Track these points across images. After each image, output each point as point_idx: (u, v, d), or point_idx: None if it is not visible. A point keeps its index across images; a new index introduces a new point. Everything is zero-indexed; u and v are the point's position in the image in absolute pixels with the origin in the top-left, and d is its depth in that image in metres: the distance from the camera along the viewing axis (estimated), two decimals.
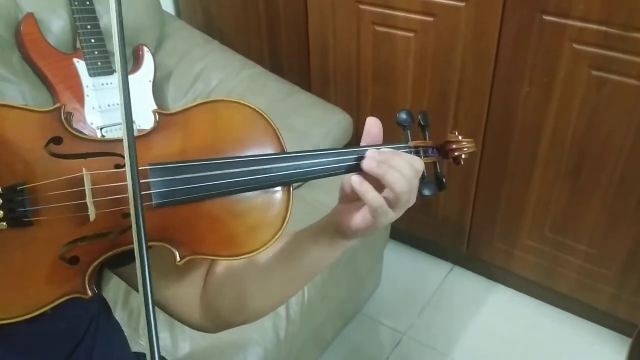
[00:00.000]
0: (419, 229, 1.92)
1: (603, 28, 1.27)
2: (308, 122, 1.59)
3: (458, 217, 1.80)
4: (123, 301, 1.26)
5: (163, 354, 1.11)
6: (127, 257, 0.61)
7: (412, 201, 0.63)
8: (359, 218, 0.63)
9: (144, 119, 1.54)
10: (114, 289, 1.26)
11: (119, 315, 1.23)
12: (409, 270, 1.99)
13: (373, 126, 0.66)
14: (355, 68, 1.72)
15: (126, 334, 0.86)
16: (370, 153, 0.63)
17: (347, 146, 1.68)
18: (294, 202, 0.63)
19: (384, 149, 0.65)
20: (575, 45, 1.32)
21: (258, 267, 0.72)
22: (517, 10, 1.36)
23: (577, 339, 1.73)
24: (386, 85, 1.69)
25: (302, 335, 1.34)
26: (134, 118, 1.52)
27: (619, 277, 1.56)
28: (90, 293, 0.59)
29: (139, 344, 1.19)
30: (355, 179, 0.61)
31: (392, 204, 0.61)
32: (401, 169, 0.61)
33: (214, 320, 0.76)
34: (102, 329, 0.75)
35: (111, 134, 1.47)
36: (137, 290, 0.74)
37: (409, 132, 0.69)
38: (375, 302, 1.86)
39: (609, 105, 1.35)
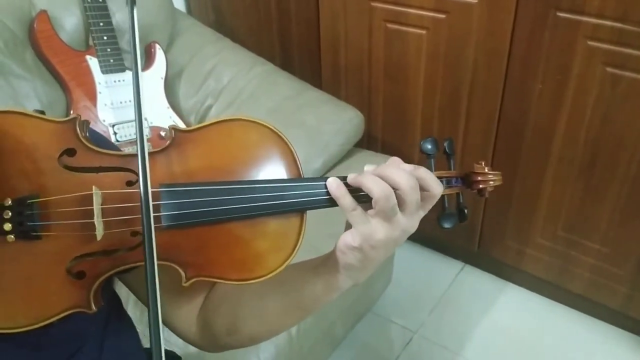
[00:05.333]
0: (430, 227, 1.91)
1: (618, 24, 1.25)
2: (319, 119, 1.59)
3: (469, 215, 1.78)
4: (135, 297, 1.26)
5: (174, 349, 1.11)
6: (131, 269, 0.61)
7: (411, 224, 0.61)
8: (347, 233, 0.61)
9: (156, 116, 1.55)
10: None
11: (131, 311, 1.23)
12: (420, 269, 1.98)
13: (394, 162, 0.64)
14: (366, 65, 1.72)
15: (139, 330, 0.86)
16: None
17: (358, 144, 1.68)
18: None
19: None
20: (589, 42, 1.31)
21: (255, 292, 0.70)
22: (530, 6, 1.35)
23: (590, 338, 1.71)
24: (398, 83, 1.68)
25: (314, 332, 1.34)
26: (146, 115, 1.52)
27: (633, 276, 1.55)
28: (94, 308, 0.59)
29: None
30: (330, 181, 0.60)
31: (378, 210, 0.59)
32: (386, 175, 0.59)
33: (210, 340, 0.75)
34: (113, 324, 0.75)
35: (123, 131, 1.48)
36: (137, 296, 0.75)
37: (432, 161, 0.66)
38: (385, 300, 1.85)
39: (624, 102, 1.34)
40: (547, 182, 1.57)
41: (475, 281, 1.93)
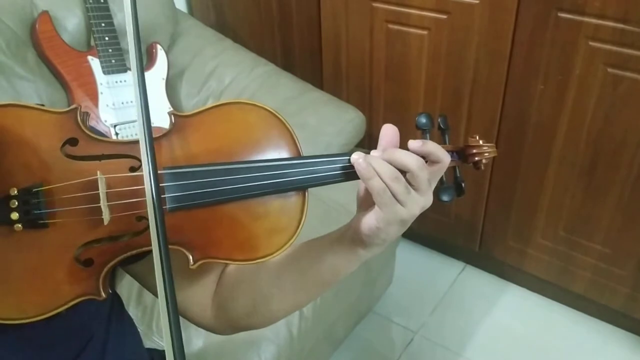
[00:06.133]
0: (431, 228, 1.91)
1: (619, 25, 1.25)
2: (321, 120, 1.59)
3: (470, 216, 1.79)
4: (136, 297, 1.26)
5: None
6: (137, 256, 0.61)
7: (426, 199, 0.62)
8: (370, 216, 0.62)
9: (157, 116, 1.55)
10: (128, 285, 1.27)
11: (132, 311, 1.24)
12: (421, 269, 1.98)
13: (389, 134, 0.64)
14: (367, 66, 1.72)
15: (140, 330, 0.86)
16: (373, 152, 0.63)
17: (359, 145, 1.68)
18: (309, 202, 0.62)
19: None
20: (590, 42, 1.31)
21: (273, 272, 0.71)
22: (531, 6, 1.35)
23: (591, 339, 1.71)
24: (399, 83, 1.68)
25: (315, 332, 1.34)
26: None
27: (634, 276, 1.55)
28: (104, 295, 0.59)
29: (152, 340, 1.19)
30: (360, 161, 0.60)
31: (394, 191, 0.60)
32: (394, 159, 0.60)
33: (226, 322, 0.76)
34: (115, 324, 0.75)
35: (125, 132, 1.48)
36: (146, 287, 0.75)
37: (427, 135, 0.67)
38: (387, 300, 1.86)
39: (625, 103, 1.34)
40: (548, 182, 1.57)
41: (477, 281, 1.93)
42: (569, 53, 1.35)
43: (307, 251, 0.69)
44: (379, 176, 0.59)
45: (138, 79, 0.55)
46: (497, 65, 1.47)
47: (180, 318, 0.76)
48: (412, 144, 0.62)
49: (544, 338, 1.73)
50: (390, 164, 0.60)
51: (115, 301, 0.78)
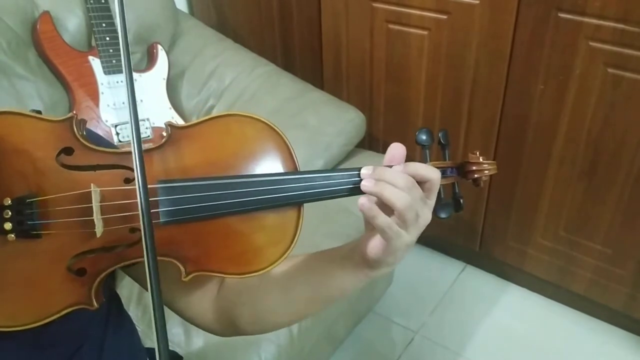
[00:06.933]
0: (431, 227, 1.89)
1: (619, 25, 1.25)
2: (321, 120, 1.59)
3: (470, 216, 1.79)
4: (137, 297, 1.26)
5: (176, 348, 1.12)
6: (132, 264, 0.61)
7: (424, 218, 0.61)
8: (376, 242, 0.61)
9: (158, 117, 1.55)
10: (128, 285, 1.27)
11: (133, 311, 1.24)
12: (421, 269, 1.98)
13: (397, 151, 0.63)
14: (368, 66, 1.72)
15: (140, 330, 0.86)
16: (364, 170, 0.60)
17: (359, 145, 1.68)
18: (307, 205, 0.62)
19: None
20: (590, 43, 1.31)
21: (281, 285, 0.71)
22: (532, 7, 1.35)
23: (591, 339, 1.71)
24: (399, 84, 1.69)
25: (315, 332, 1.34)
26: (148, 115, 1.53)
27: (634, 276, 1.55)
28: (96, 304, 0.59)
29: (153, 339, 1.19)
30: (363, 202, 0.58)
31: (400, 222, 0.59)
32: (395, 182, 0.58)
33: (227, 326, 0.76)
34: (113, 324, 0.75)
35: (125, 132, 1.48)
36: (143, 287, 0.75)
37: (427, 151, 0.66)
38: (387, 300, 1.86)
39: (625, 103, 1.34)
40: (548, 182, 1.57)
41: (477, 281, 1.93)
42: (569, 53, 1.35)
43: (318, 266, 0.68)
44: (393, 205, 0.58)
45: (130, 100, 0.55)
46: (497, 65, 1.47)
47: (180, 319, 0.77)
48: (395, 173, 0.60)
49: (544, 338, 1.73)
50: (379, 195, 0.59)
51: (114, 301, 0.79)
